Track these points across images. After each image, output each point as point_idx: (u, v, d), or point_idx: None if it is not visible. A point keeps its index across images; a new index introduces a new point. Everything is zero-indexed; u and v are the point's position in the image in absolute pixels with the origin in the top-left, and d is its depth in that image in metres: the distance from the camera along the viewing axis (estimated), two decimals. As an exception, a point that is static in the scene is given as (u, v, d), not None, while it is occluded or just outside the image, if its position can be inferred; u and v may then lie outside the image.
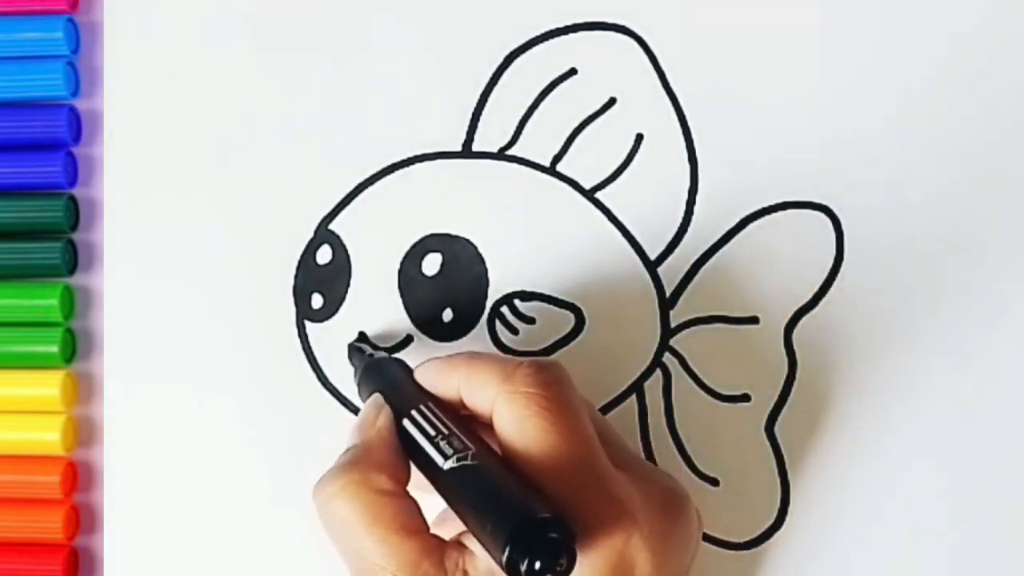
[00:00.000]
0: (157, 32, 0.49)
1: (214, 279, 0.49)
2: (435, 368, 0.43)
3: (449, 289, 0.48)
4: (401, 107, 0.48)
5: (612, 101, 0.48)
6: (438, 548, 0.39)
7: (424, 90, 0.48)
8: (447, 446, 0.39)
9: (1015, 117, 0.47)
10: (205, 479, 0.48)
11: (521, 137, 0.48)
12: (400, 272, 0.48)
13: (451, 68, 0.48)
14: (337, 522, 0.40)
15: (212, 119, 0.49)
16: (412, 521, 0.39)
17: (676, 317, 0.48)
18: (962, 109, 0.47)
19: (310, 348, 0.48)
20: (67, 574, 0.49)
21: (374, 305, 0.48)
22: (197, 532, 0.49)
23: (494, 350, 0.47)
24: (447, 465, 0.39)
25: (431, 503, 0.40)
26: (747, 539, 0.47)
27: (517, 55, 0.48)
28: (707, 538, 0.47)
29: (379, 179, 0.48)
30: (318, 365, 0.48)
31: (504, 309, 0.47)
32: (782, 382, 0.47)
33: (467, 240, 0.48)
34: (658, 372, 0.48)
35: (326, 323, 0.48)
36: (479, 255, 0.48)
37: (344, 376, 0.48)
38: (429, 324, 0.48)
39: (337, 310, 0.48)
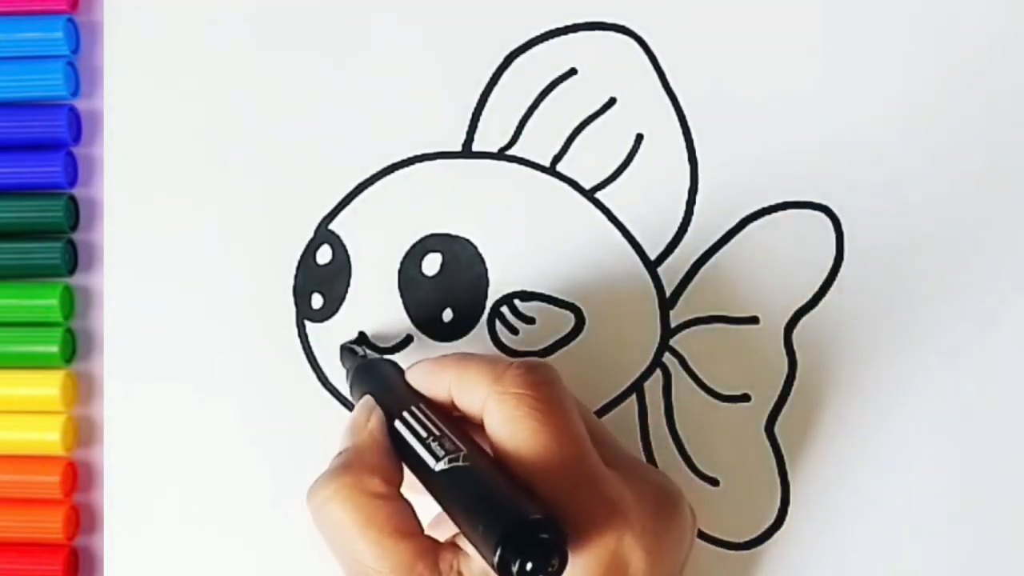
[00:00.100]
0: (157, 32, 0.49)
1: (214, 279, 0.49)
2: (426, 369, 0.43)
3: (449, 289, 0.48)
4: (401, 107, 0.48)
5: (612, 101, 0.48)
6: (432, 550, 0.39)
7: (424, 90, 0.48)
8: (438, 447, 0.39)
9: (1015, 117, 0.47)
10: (205, 479, 0.48)
11: (521, 137, 0.48)
12: (400, 272, 0.48)
13: (451, 68, 0.48)
14: (331, 526, 0.40)
15: (212, 119, 0.49)
16: (406, 523, 0.40)
17: (676, 317, 0.48)
18: (962, 109, 0.47)
19: (310, 348, 0.48)
20: (67, 574, 0.49)
21: (374, 305, 0.48)
22: (197, 532, 0.49)
23: (494, 350, 0.47)
24: (438, 466, 0.39)
25: (426, 504, 0.40)
26: (747, 539, 0.47)
27: (517, 55, 0.48)
28: (707, 538, 0.47)
29: (379, 179, 0.48)
30: (318, 365, 0.48)
31: (504, 309, 0.47)
32: (782, 382, 0.47)
33: (467, 240, 0.48)
34: (658, 372, 0.48)
35: (326, 323, 0.48)
36: (479, 255, 0.48)
37: (344, 376, 0.48)
38: (429, 324, 0.48)
39: (337, 310, 0.48)
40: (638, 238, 0.47)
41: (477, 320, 0.48)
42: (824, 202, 0.47)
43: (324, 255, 0.48)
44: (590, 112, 0.48)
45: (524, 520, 0.36)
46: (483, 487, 0.38)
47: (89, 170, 0.50)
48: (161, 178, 0.49)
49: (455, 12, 0.48)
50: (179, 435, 0.49)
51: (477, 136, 0.48)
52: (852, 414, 0.47)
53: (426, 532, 0.40)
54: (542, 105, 0.48)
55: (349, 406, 0.48)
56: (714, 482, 0.47)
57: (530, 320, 0.48)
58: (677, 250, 0.47)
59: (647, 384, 0.48)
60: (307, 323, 0.48)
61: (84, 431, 0.50)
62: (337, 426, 0.43)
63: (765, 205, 0.47)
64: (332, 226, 0.48)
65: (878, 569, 0.47)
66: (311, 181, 0.49)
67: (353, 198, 0.48)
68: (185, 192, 0.49)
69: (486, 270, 0.48)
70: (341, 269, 0.48)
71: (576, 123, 0.48)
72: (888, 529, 0.47)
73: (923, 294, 0.47)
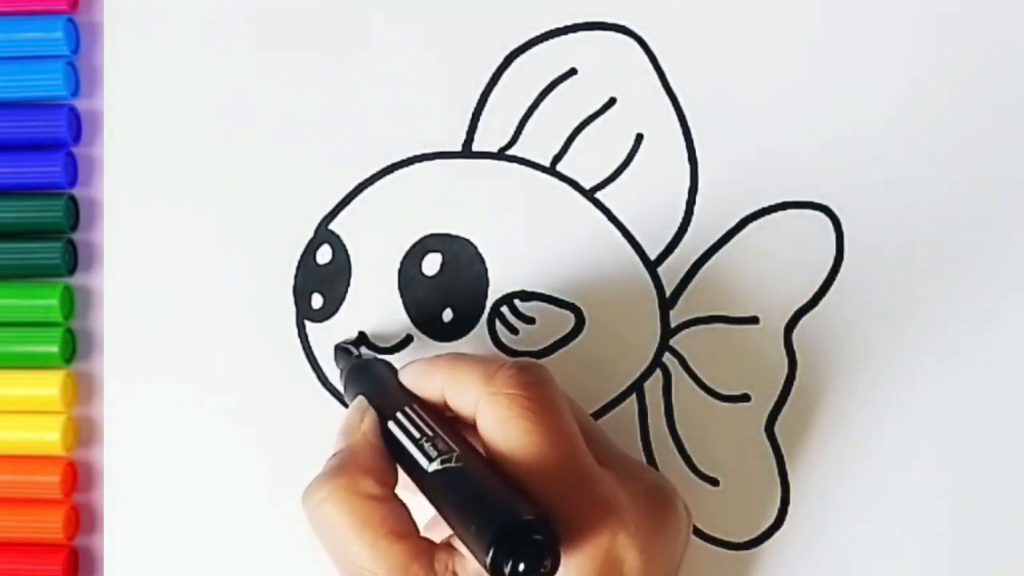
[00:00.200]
0: (157, 32, 0.49)
1: (214, 279, 0.49)
2: (419, 370, 0.43)
3: (449, 289, 0.48)
4: (401, 107, 0.48)
5: (612, 101, 0.48)
6: (427, 551, 0.39)
7: (424, 90, 0.48)
8: (431, 448, 0.39)
9: (1015, 117, 0.47)
10: (205, 479, 0.48)
11: (521, 137, 0.48)
12: (400, 272, 0.48)
13: (451, 68, 0.48)
14: (326, 528, 0.40)
15: (212, 119, 0.49)
16: (400, 524, 0.40)
17: (676, 317, 0.48)
18: (962, 109, 0.47)
19: (310, 348, 0.48)
20: (67, 574, 0.49)
21: (374, 305, 0.48)
22: (197, 532, 0.49)
23: (494, 350, 0.47)
24: (431, 467, 0.39)
25: (422, 505, 0.40)
26: (747, 539, 0.47)
27: (517, 55, 0.48)
28: (707, 538, 0.47)
29: (379, 179, 0.48)
30: (318, 365, 0.48)
31: (504, 309, 0.47)
32: (782, 382, 0.47)
33: (467, 240, 0.48)
34: (658, 372, 0.48)
35: (326, 323, 0.48)
36: (479, 255, 0.48)
37: (343, 376, 0.48)
38: (429, 324, 0.48)
39: (337, 310, 0.48)
40: (638, 238, 0.47)
41: (477, 320, 0.48)
42: (824, 202, 0.47)
43: (324, 255, 0.48)
44: (590, 112, 0.48)
45: (517, 521, 0.36)
46: (476, 488, 0.38)
47: (89, 170, 0.50)
48: (161, 178, 0.49)
49: (455, 12, 0.48)
50: (179, 435, 0.49)
51: (477, 136, 0.48)
52: (852, 414, 0.47)
53: (423, 533, 0.40)
54: (542, 105, 0.48)
55: (348, 406, 0.48)
56: (714, 482, 0.47)
57: (530, 320, 0.48)
58: (677, 250, 0.47)
59: (647, 384, 0.48)
60: (307, 323, 0.48)
61: (84, 431, 0.50)
62: (337, 426, 0.43)
63: (765, 205, 0.47)
64: (332, 226, 0.48)
65: (878, 569, 0.47)
66: (311, 181, 0.49)
67: (353, 198, 0.48)
68: (185, 192, 0.49)
69: (486, 270, 0.48)
70: (341, 269, 0.48)
71: (576, 123, 0.48)
72: (888, 529, 0.47)
73: (923, 294, 0.47)
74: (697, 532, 0.47)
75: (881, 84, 0.47)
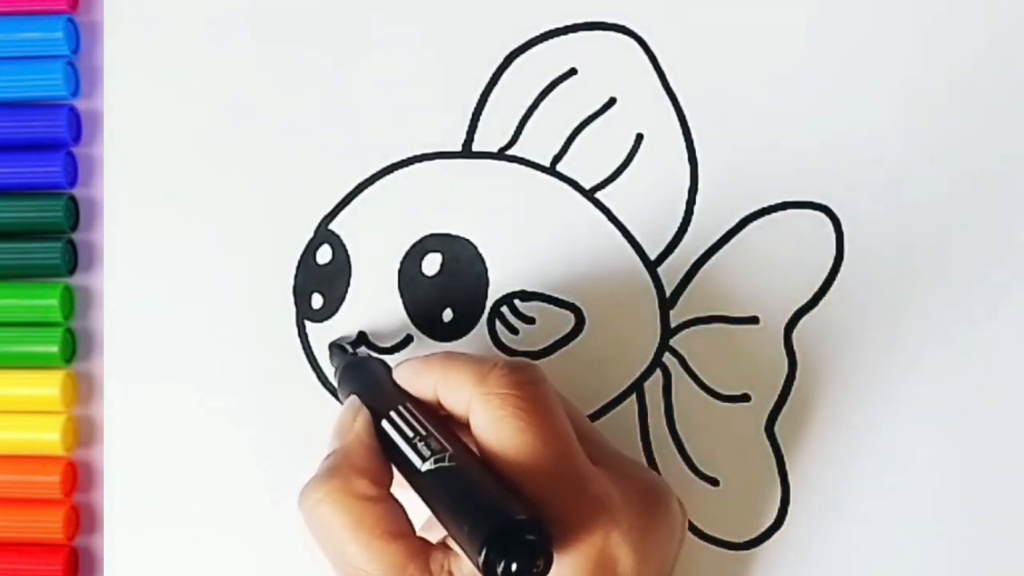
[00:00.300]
0: (157, 32, 0.49)
1: (214, 279, 0.49)
2: (413, 369, 0.43)
3: (449, 289, 0.48)
4: (401, 107, 0.48)
5: (612, 101, 0.48)
6: (423, 551, 0.39)
7: (424, 90, 0.48)
8: (425, 447, 0.39)
9: (1015, 117, 0.47)
10: (205, 479, 0.48)
11: (521, 137, 0.48)
12: (400, 272, 0.48)
13: (451, 68, 0.48)
14: (322, 529, 0.40)
15: (212, 119, 0.49)
16: (396, 525, 0.40)
17: (676, 317, 0.48)
18: (962, 109, 0.47)
19: (310, 348, 0.48)
20: (67, 574, 0.49)
21: (374, 305, 0.48)
22: (197, 532, 0.49)
23: (494, 350, 0.47)
24: (425, 467, 0.39)
25: (420, 504, 0.40)
26: (747, 539, 0.47)
27: (517, 55, 0.48)
28: (707, 538, 0.47)
29: (379, 179, 0.48)
30: (318, 365, 0.48)
31: (504, 309, 0.47)
32: (782, 382, 0.47)
33: (467, 240, 0.48)
34: (658, 372, 0.48)
35: (326, 323, 0.48)
36: (479, 255, 0.48)
37: (343, 376, 0.48)
38: (429, 324, 0.48)
39: (337, 310, 0.48)
40: (638, 238, 0.47)
41: (477, 320, 0.48)
42: (824, 202, 0.47)
43: (324, 255, 0.48)
44: (590, 112, 0.48)
45: (509, 521, 0.36)
46: (469, 487, 0.38)
47: (89, 170, 0.50)
48: (161, 178, 0.49)
49: (455, 12, 0.48)
50: (179, 435, 0.49)
51: (477, 136, 0.48)
52: (852, 414, 0.47)
53: (420, 533, 0.40)
54: (542, 105, 0.48)
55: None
56: (714, 482, 0.47)
57: (530, 320, 0.47)
58: (677, 250, 0.47)
59: (647, 384, 0.48)
60: (307, 323, 0.48)
61: (84, 431, 0.50)
62: (330, 426, 0.43)
63: (765, 205, 0.47)
64: (332, 226, 0.48)
65: (878, 569, 0.47)
66: (311, 181, 0.49)
67: (353, 198, 0.48)
68: (185, 192, 0.49)
69: (486, 270, 0.48)
70: (341, 269, 0.48)
71: (576, 123, 0.48)
72: (888, 529, 0.47)
73: (923, 294, 0.47)
74: (697, 532, 0.47)
75: (881, 84, 0.47)
